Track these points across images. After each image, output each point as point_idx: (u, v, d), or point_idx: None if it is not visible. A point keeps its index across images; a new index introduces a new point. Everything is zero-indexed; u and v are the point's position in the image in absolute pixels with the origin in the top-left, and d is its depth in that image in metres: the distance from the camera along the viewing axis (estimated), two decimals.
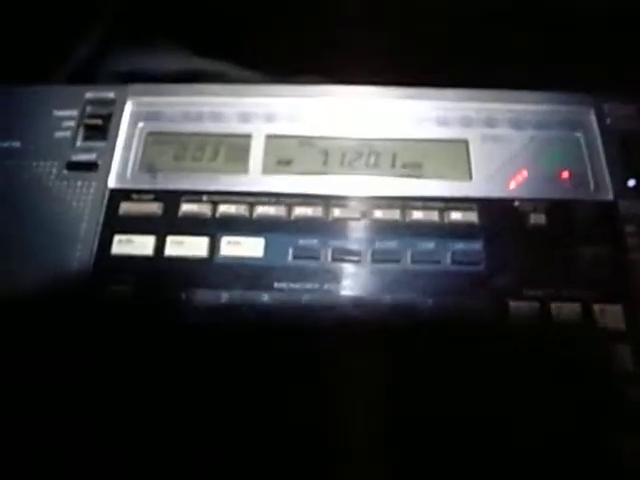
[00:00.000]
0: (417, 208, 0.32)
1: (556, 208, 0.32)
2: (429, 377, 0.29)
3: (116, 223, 0.32)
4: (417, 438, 0.28)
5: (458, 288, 0.30)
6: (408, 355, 0.29)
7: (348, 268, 0.31)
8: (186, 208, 0.32)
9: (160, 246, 0.31)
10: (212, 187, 0.33)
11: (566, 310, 0.30)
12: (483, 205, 0.32)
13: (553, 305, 0.30)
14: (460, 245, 0.31)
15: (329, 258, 0.31)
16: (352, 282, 0.31)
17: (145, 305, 0.30)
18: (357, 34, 0.44)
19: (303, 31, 0.45)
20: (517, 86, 0.35)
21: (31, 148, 0.35)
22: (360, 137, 0.35)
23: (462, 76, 0.36)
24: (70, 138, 0.35)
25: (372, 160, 0.34)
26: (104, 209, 0.33)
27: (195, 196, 0.33)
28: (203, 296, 0.30)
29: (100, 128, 0.35)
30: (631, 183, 0.33)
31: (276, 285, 0.31)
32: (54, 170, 0.34)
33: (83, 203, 0.33)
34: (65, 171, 0.34)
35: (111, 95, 0.36)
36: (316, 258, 0.31)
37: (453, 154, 0.34)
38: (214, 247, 0.31)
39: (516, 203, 0.32)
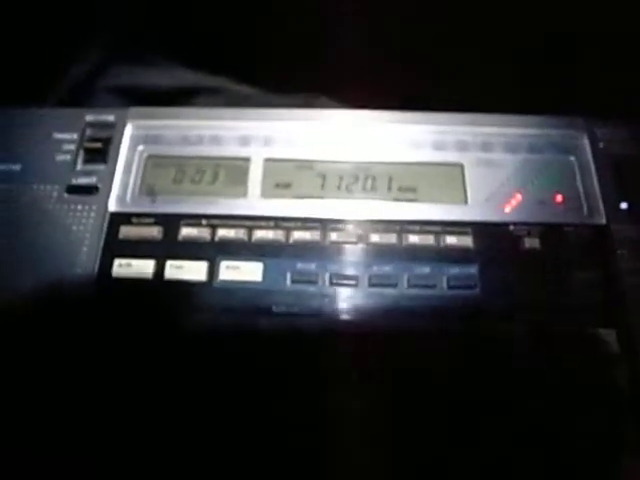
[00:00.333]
0: (413, 232, 0.33)
1: (550, 232, 0.33)
2: (426, 399, 0.29)
3: (116, 247, 0.33)
4: (415, 460, 0.28)
5: (454, 312, 0.31)
6: (405, 378, 0.30)
7: (345, 292, 0.31)
8: (185, 232, 0.33)
9: (160, 270, 0.32)
10: (211, 210, 0.34)
11: (560, 334, 0.30)
12: (478, 229, 0.33)
13: (547, 329, 0.30)
14: (455, 269, 0.32)
15: (327, 282, 0.31)
16: (349, 306, 0.31)
17: (145, 328, 0.31)
18: (355, 52, 0.45)
19: (301, 48, 0.45)
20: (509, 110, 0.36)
21: (31, 171, 0.35)
22: (357, 161, 0.35)
23: (457, 99, 0.37)
24: (70, 161, 0.35)
25: (369, 184, 0.34)
26: (104, 233, 0.33)
27: (194, 220, 0.33)
28: (202, 320, 0.31)
29: (100, 151, 0.35)
30: (623, 206, 0.33)
31: (274, 309, 0.31)
32: (54, 193, 0.34)
33: (83, 227, 0.33)
34: (65, 194, 0.34)
35: (111, 118, 0.36)
36: (314, 282, 0.31)
37: (449, 178, 0.34)
38: (213, 271, 0.32)
39: (511, 227, 0.33)
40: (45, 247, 0.33)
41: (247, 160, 0.35)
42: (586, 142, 0.35)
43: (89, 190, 0.34)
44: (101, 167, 0.35)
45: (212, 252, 0.32)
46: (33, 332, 0.30)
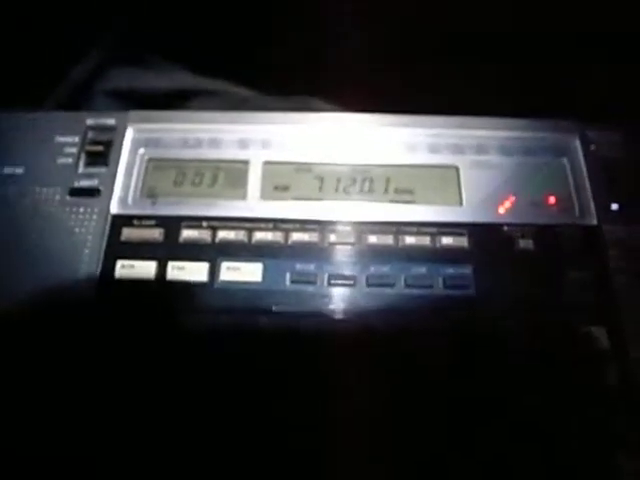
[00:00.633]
0: (410, 233, 0.33)
1: (543, 233, 0.33)
2: (423, 396, 0.30)
3: (118, 248, 0.33)
4: (412, 458, 0.29)
5: (450, 311, 0.31)
6: (403, 377, 0.30)
7: (344, 292, 0.32)
8: (186, 234, 0.33)
9: (162, 271, 0.32)
10: (211, 212, 0.34)
11: (553, 332, 0.31)
12: (473, 230, 0.33)
13: (541, 327, 0.31)
14: (451, 269, 0.32)
15: (325, 282, 0.32)
16: (347, 306, 0.32)
17: (147, 328, 0.31)
18: (352, 55, 0.45)
19: (299, 51, 0.46)
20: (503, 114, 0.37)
21: (34, 174, 0.35)
22: (354, 163, 0.36)
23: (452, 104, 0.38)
24: (72, 164, 0.36)
25: (366, 186, 0.35)
26: (106, 235, 0.33)
27: (195, 222, 0.34)
28: (203, 319, 0.31)
29: (101, 154, 0.36)
30: (614, 207, 0.34)
31: (274, 309, 0.32)
32: (57, 196, 0.35)
33: (86, 229, 0.34)
34: (68, 197, 0.35)
35: (112, 121, 0.37)
36: (313, 283, 0.32)
37: (444, 180, 0.35)
38: (214, 272, 0.32)
39: (505, 228, 0.33)
40: (48, 249, 0.33)
41: (246, 163, 0.36)
42: (578, 145, 0.36)
43: (91, 192, 0.35)
44: (102, 170, 0.36)
45: (213, 253, 0.33)
46: (36, 333, 0.31)
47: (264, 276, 0.32)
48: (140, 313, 0.32)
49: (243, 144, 0.36)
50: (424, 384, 0.30)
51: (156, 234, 0.33)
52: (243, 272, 0.32)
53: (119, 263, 0.33)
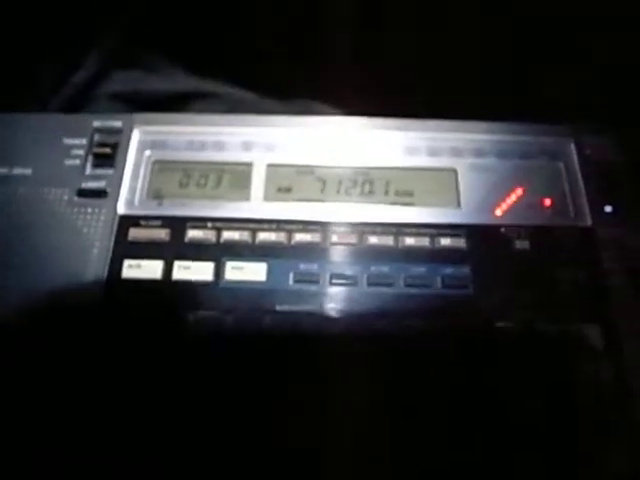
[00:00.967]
0: (409, 234, 0.34)
1: (539, 234, 0.34)
2: (422, 394, 0.31)
3: (126, 248, 0.34)
4: (407, 457, 0.30)
5: (448, 310, 0.32)
6: (402, 374, 0.31)
7: (345, 292, 0.33)
8: (192, 234, 0.34)
9: (168, 270, 0.33)
10: (216, 213, 0.35)
11: (548, 330, 0.32)
12: (471, 231, 0.34)
13: (536, 325, 0.32)
14: (449, 270, 0.33)
15: (327, 282, 0.33)
16: (349, 305, 0.32)
17: (154, 326, 0.32)
18: (352, 58, 0.46)
19: (300, 55, 0.47)
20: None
21: (42, 175, 0.36)
22: (355, 166, 0.37)
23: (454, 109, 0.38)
24: (80, 166, 0.36)
25: (367, 188, 0.36)
26: (114, 235, 0.34)
27: (200, 222, 0.35)
28: (209, 318, 0.32)
29: (108, 156, 0.37)
30: (608, 209, 0.35)
31: (278, 308, 0.32)
32: (65, 197, 0.35)
33: (94, 229, 0.34)
34: (76, 198, 0.35)
35: (118, 124, 0.38)
36: (315, 282, 0.33)
37: (443, 183, 0.36)
38: (219, 271, 0.33)
39: (502, 229, 0.34)
40: (56, 248, 0.34)
41: (250, 165, 0.36)
42: (573, 149, 0.37)
43: (98, 194, 0.35)
44: (109, 171, 0.36)
45: (218, 253, 0.34)
46: (45, 332, 0.31)
47: (268, 276, 0.33)
48: (147, 311, 0.32)
49: (247, 147, 0.37)
50: (423, 381, 0.31)
51: (162, 234, 0.34)
52: (247, 272, 0.33)
53: (126, 263, 0.33)
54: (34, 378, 0.31)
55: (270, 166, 0.36)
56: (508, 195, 0.36)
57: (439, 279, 0.33)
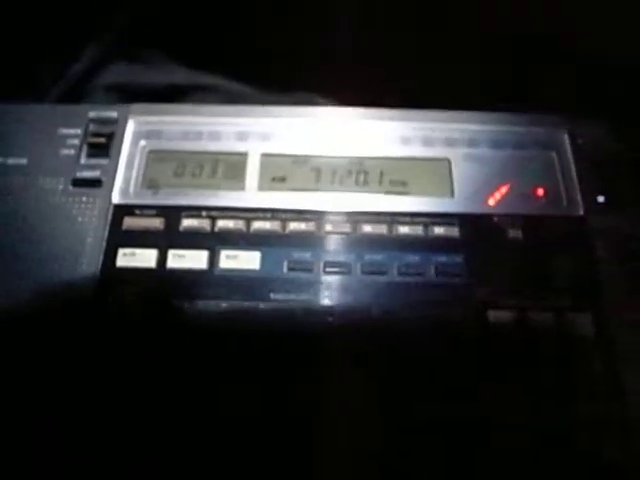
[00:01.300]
0: (403, 223, 0.34)
1: (532, 223, 0.34)
2: (416, 382, 0.31)
3: (120, 237, 0.34)
4: (403, 448, 0.30)
5: (441, 298, 0.32)
6: (395, 362, 0.31)
7: (339, 280, 0.33)
8: (187, 223, 0.34)
9: (162, 259, 0.33)
10: (211, 202, 0.35)
11: (541, 318, 0.32)
12: (464, 220, 0.34)
13: (529, 314, 0.32)
14: (443, 258, 0.33)
15: (321, 270, 0.33)
16: (343, 293, 0.33)
17: (148, 314, 0.32)
18: (350, 52, 0.46)
19: (299, 48, 0.47)
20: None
21: (37, 165, 0.36)
22: (350, 156, 0.37)
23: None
24: (75, 155, 0.36)
25: (361, 178, 0.36)
26: (108, 224, 0.34)
27: (195, 211, 0.35)
28: (203, 306, 0.32)
29: (103, 146, 0.37)
30: (600, 199, 0.35)
31: (272, 296, 0.32)
32: (60, 186, 0.35)
33: (88, 218, 0.35)
34: (70, 187, 0.35)
35: (114, 114, 0.38)
36: (309, 270, 0.33)
37: (437, 172, 0.36)
38: (213, 260, 0.33)
39: (495, 219, 0.35)
40: (51, 238, 0.34)
41: (245, 155, 0.37)
42: (566, 139, 0.37)
43: (93, 183, 0.36)
44: (104, 161, 0.36)
45: (212, 242, 0.34)
46: (39, 322, 0.32)
47: (262, 264, 0.33)
48: (141, 300, 0.32)
49: (242, 136, 0.37)
50: (416, 370, 0.31)
51: (157, 223, 0.34)
52: (242, 260, 0.33)
53: (121, 251, 0.33)
54: (28, 367, 0.31)
55: (265, 156, 0.37)
56: (501, 185, 0.36)
57: (432, 268, 0.33)
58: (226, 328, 0.32)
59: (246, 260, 0.33)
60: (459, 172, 0.36)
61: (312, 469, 0.30)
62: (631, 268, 0.33)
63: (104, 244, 0.34)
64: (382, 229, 0.34)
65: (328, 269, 0.33)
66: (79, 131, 0.37)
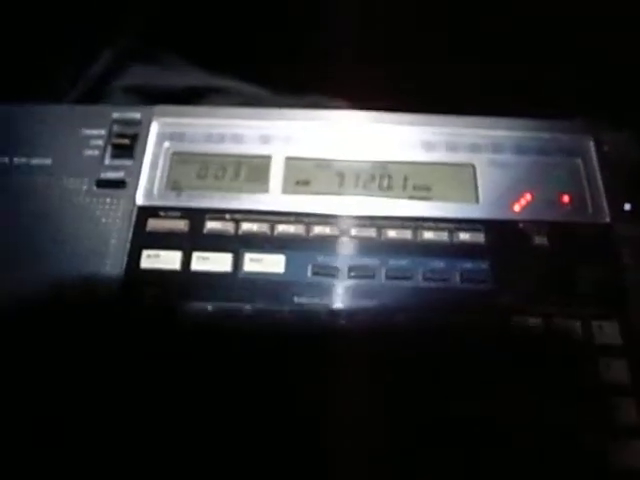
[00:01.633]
0: (428, 229, 0.34)
1: (557, 230, 0.34)
2: (440, 388, 0.31)
3: (144, 239, 0.34)
4: (418, 451, 0.30)
5: (466, 304, 0.32)
6: (419, 367, 0.31)
7: (363, 284, 0.33)
8: (211, 225, 0.34)
9: (187, 261, 0.33)
10: (234, 205, 0.35)
11: (567, 326, 0.32)
12: (489, 226, 0.34)
13: (554, 320, 0.32)
14: (468, 264, 0.33)
15: (345, 275, 0.33)
16: (367, 298, 0.32)
17: (172, 316, 0.32)
18: (369, 55, 0.46)
19: (313, 50, 0.47)
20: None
21: (62, 165, 0.36)
22: (374, 160, 0.37)
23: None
24: (99, 156, 0.36)
25: (385, 182, 0.36)
26: (132, 225, 0.34)
27: (219, 214, 0.35)
28: (227, 309, 0.32)
29: (127, 147, 0.37)
30: (627, 207, 0.35)
31: (296, 300, 0.32)
32: (84, 187, 0.36)
33: (112, 219, 0.35)
34: (95, 188, 0.35)
35: (137, 116, 0.38)
36: (333, 275, 0.33)
37: (461, 178, 0.36)
38: (237, 263, 0.33)
39: (520, 225, 0.34)
40: (75, 238, 0.34)
41: (268, 158, 0.37)
42: (592, 145, 0.37)
43: (117, 184, 0.36)
44: (128, 162, 0.36)
45: (236, 245, 0.34)
46: (63, 322, 0.32)
47: (286, 267, 0.33)
48: (165, 302, 0.32)
49: (265, 139, 0.37)
50: (441, 375, 0.31)
51: (181, 225, 0.34)
52: (266, 263, 0.33)
53: (145, 253, 0.33)
54: (52, 367, 0.31)
55: (289, 159, 0.36)
56: (526, 191, 0.36)
57: (457, 274, 0.33)
58: (249, 331, 0.32)
59: (270, 263, 0.33)
60: (484, 178, 0.36)
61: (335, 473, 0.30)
62: None
63: (128, 245, 0.34)
64: (407, 234, 0.34)
65: (352, 274, 0.33)
66: (103, 132, 0.37)
